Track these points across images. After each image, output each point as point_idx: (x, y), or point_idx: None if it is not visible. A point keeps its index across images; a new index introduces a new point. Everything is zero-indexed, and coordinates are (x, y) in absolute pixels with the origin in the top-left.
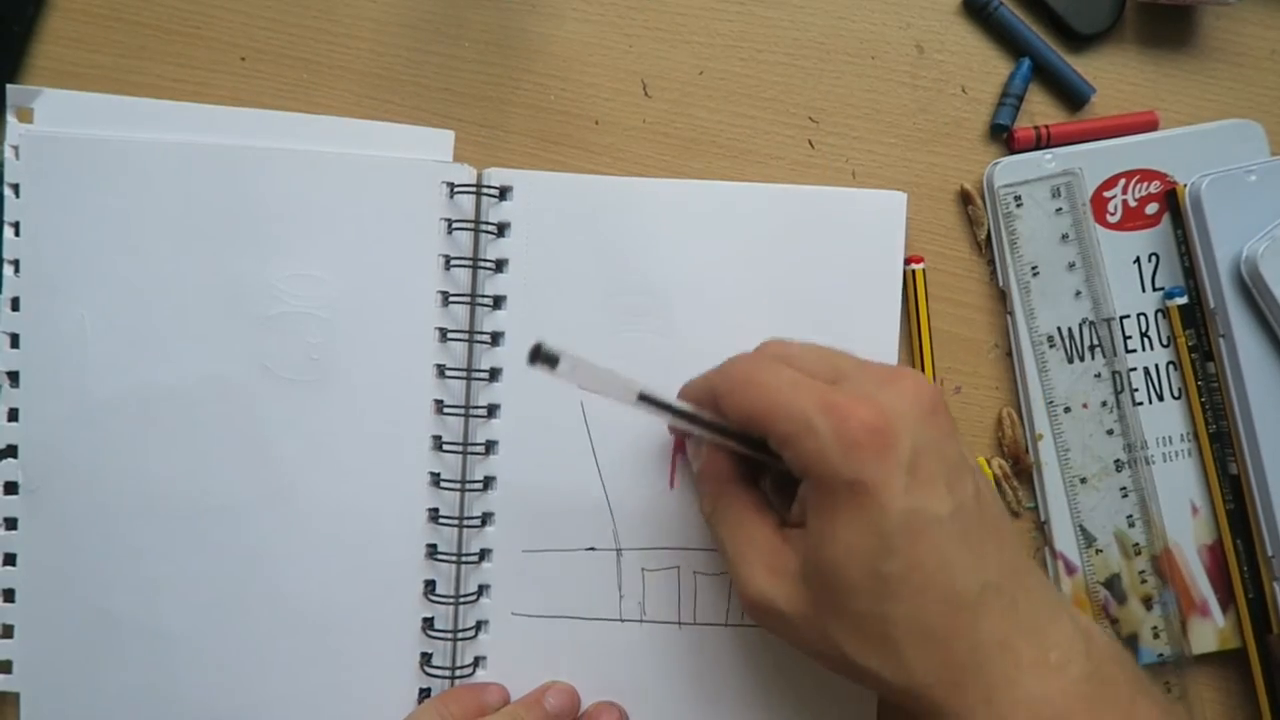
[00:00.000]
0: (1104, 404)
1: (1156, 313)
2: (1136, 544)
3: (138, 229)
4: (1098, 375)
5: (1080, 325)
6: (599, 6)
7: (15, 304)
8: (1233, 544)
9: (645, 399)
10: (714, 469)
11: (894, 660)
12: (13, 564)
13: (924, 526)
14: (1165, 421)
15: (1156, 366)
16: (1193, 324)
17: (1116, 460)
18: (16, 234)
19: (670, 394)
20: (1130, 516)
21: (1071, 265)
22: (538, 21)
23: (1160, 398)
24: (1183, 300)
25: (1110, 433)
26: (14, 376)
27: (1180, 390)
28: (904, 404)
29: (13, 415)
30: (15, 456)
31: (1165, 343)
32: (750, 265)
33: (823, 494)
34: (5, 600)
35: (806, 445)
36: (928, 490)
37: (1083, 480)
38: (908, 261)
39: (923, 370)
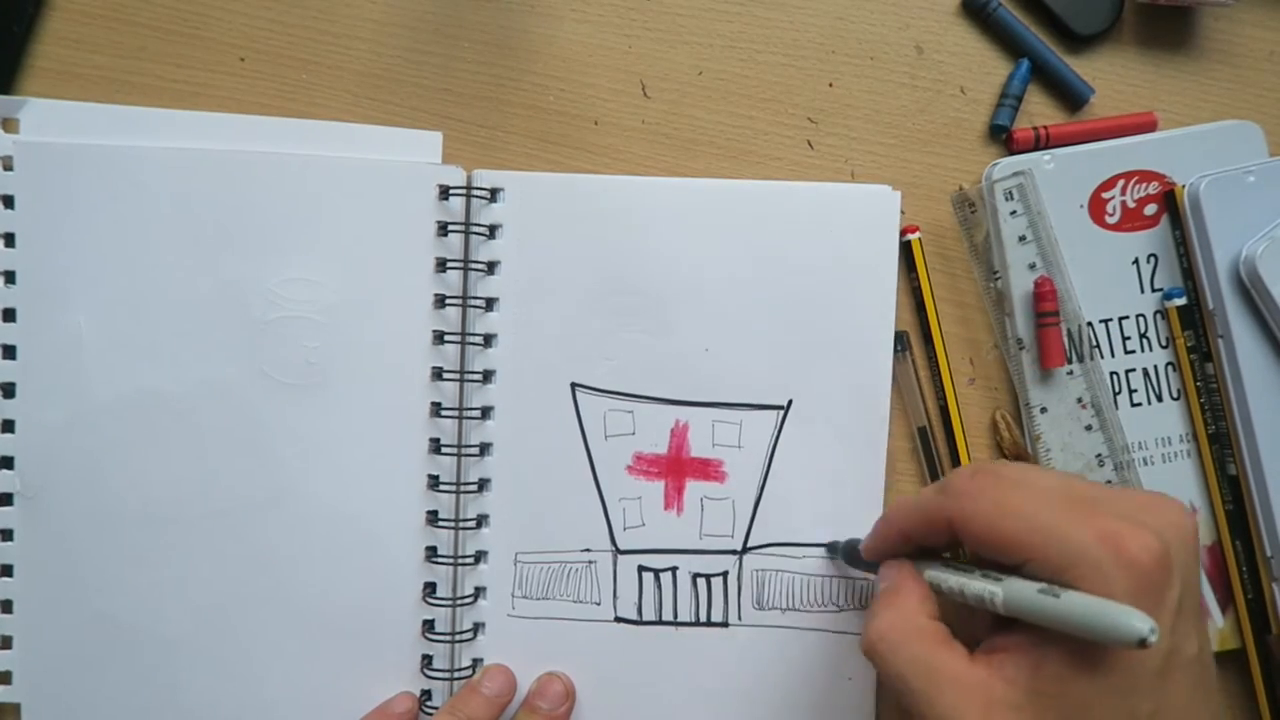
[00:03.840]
0: (1079, 401)
1: (1155, 314)
2: None
3: (132, 235)
4: (1070, 373)
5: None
6: (598, 7)
7: (10, 315)
8: (1232, 545)
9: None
10: (906, 596)
11: None
12: (9, 575)
13: (1176, 668)
14: (1165, 422)
15: (1155, 367)
16: (1191, 325)
17: (1098, 455)
18: (10, 245)
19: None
20: None
21: (1032, 266)
22: (537, 22)
23: (1159, 398)
24: (1181, 301)
25: (1089, 429)
26: (9, 388)
27: (1179, 391)
28: (1173, 534)
29: (8, 426)
30: (10, 468)
31: (1164, 344)
32: (743, 262)
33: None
34: (4, 611)
35: (1084, 573)
36: (1184, 628)
37: None
38: (904, 232)
39: (930, 336)
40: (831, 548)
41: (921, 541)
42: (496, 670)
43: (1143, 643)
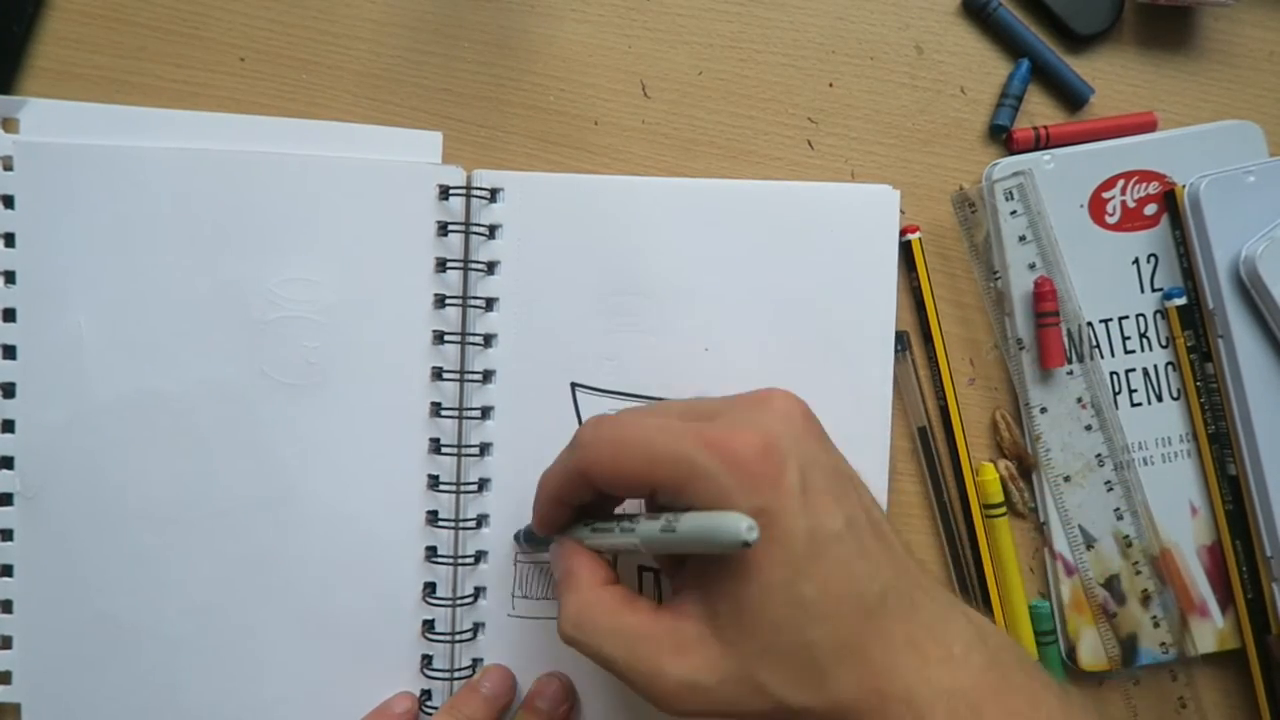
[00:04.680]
0: (1079, 400)
1: (1155, 313)
2: (1127, 536)
3: (132, 235)
4: (1070, 373)
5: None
6: (598, 7)
7: (10, 315)
8: (1232, 545)
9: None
10: (578, 573)
11: (823, 686)
12: (10, 575)
13: (825, 543)
14: (1165, 422)
15: (1155, 367)
16: (1191, 325)
17: (1098, 455)
18: (10, 245)
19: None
20: (1117, 509)
21: (1032, 266)
22: (537, 22)
23: (1159, 398)
24: (1182, 301)
25: (1089, 429)
26: (9, 388)
27: (1179, 391)
28: (779, 423)
29: (8, 426)
30: (10, 468)
31: (1164, 344)
32: (743, 262)
33: None
34: (4, 611)
35: (699, 486)
36: (820, 505)
37: (1066, 478)
38: (904, 232)
39: (930, 336)
40: (517, 538)
41: (575, 502)
42: (496, 670)
43: (746, 544)
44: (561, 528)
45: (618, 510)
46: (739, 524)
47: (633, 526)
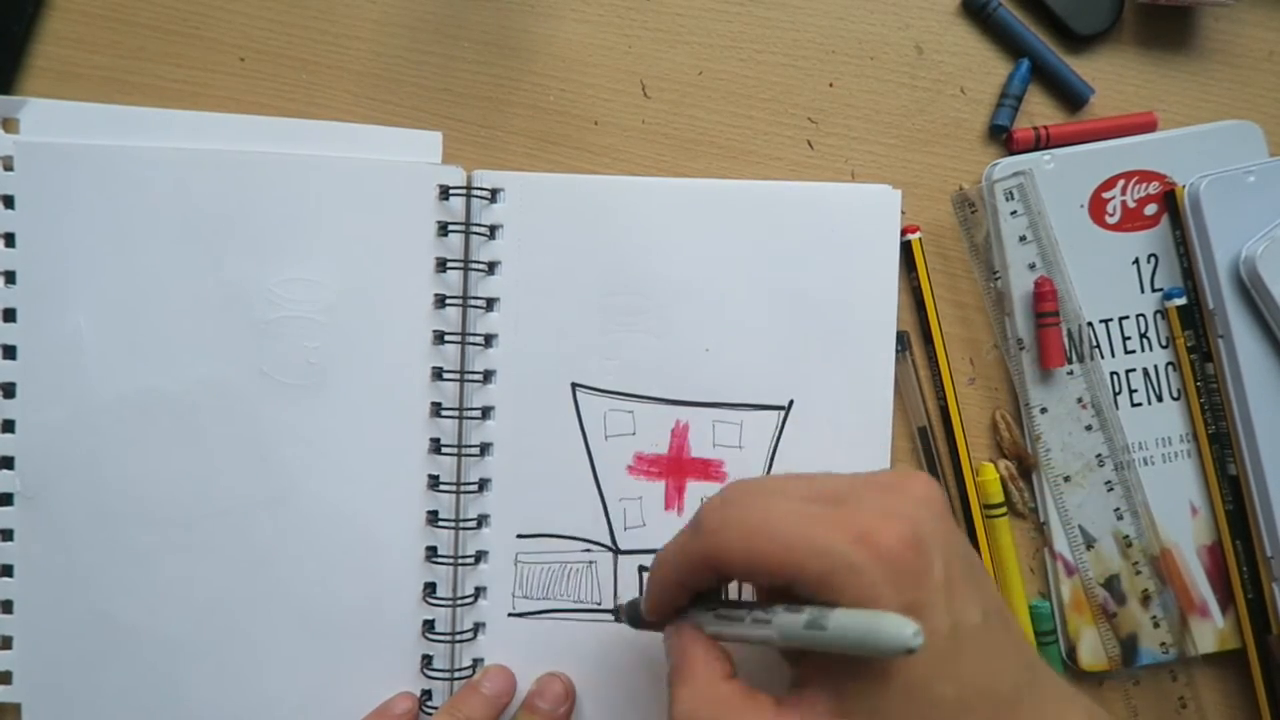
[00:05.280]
0: (1079, 400)
1: (1155, 314)
2: (1127, 536)
3: (132, 235)
4: (1070, 373)
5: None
6: (598, 7)
7: (10, 315)
8: (1232, 545)
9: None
10: (695, 665)
11: None
12: (10, 575)
13: (964, 639)
14: (1165, 422)
15: (1156, 367)
16: (1192, 325)
17: (1098, 455)
18: (10, 245)
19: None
20: (1118, 509)
21: (1032, 266)
22: (537, 22)
23: (1159, 398)
24: (1182, 301)
25: (1089, 429)
26: (9, 388)
27: (1179, 391)
28: (922, 511)
29: (8, 426)
30: (11, 468)
31: (1164, 344)
32: (744, 262)
33: None
34: (4, 611)
35: (846, 580)
36: (962, 600)
37: (1066, 478)
38: (905, 232)
39: (930, 336)
40: (616, 612)
41: (696, 587)
42: (496, 670)
43: (910, 650)
44: (677, 611)
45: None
46: (904, 629)
47: (768, 618)
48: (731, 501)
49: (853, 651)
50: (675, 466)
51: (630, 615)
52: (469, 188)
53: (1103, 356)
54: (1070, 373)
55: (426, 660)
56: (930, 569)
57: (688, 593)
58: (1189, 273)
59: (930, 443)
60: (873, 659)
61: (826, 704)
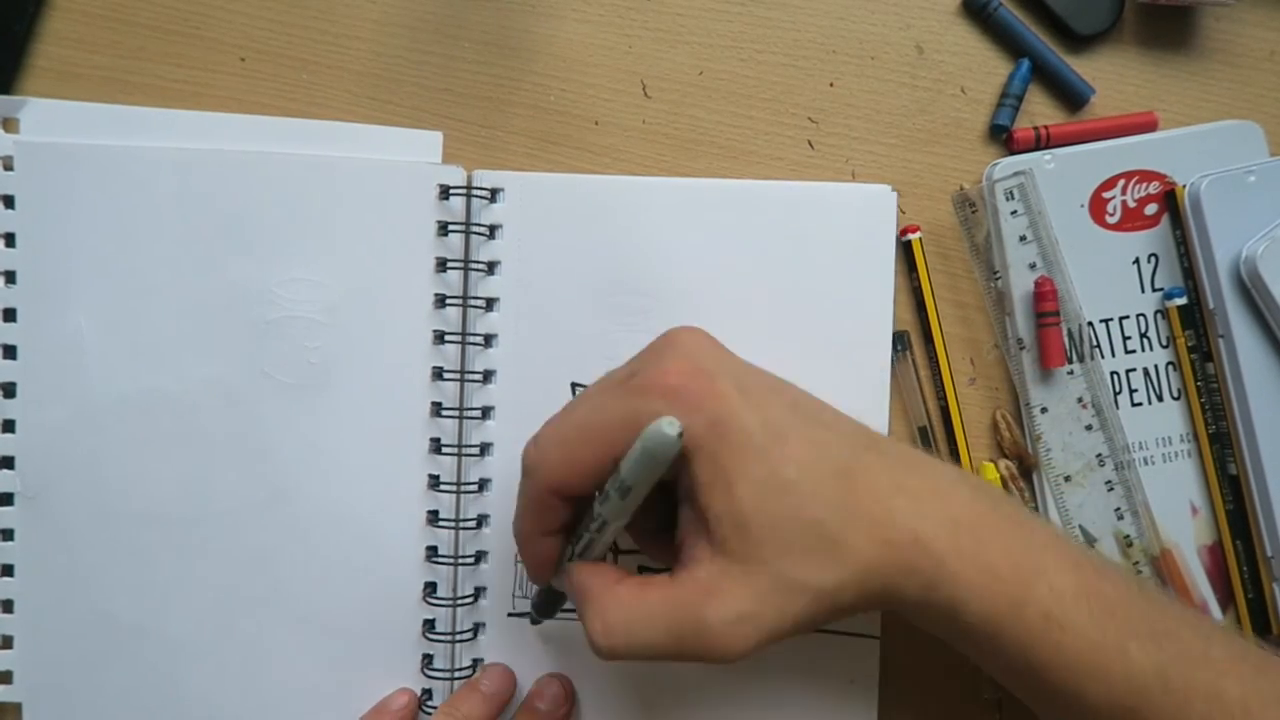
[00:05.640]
0: (1079, 400)
1: (1156, 313)
2: (1128, 536)
3: (133, 235)
4: (1070, 373)
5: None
6: (599, 7)
7: (11, 315)
8: (1232, 545)
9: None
10: (587, 587)
11: (842, 556)
12: (11, 575)
13: (781, 428)
14: (1165, 422)
15: (1156, 367)
16: (1192, 324)
17: (1098, 455)
18: (10, 245)
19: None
20: (1118, 509)
21: (1032, 265)
22: (537, 22)
23: (1160, 398)
24: (1182, 301)
25: (1089, 429)
26: (9, 388)
27: (1180, 391)
28: (695, 349)
29: (8, 426)
30: (11, 468)
31: (1165, 343)
32: (743, 261)
33: (700, 465)
34: (4, 611)
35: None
36: (762, 400)
37: (1067, 478)
38: (905, 232)
39: (931, 336)
40: (532, 618)
41: (554, 527)
42: (495, 670)
43: (679, 434)
44: (555, 563)
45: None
46: (659, 426)
47: (599, 512)
48: (539, 434)
49: (652, 476)
50: None
51: (537, 605)
52: (469, 187)
53: (1103, 356)
54: (1070, 372)
55: (427, 660)
56: (715, 385)
57: (554, 540)
58: (1189, 272)
59: (931, 442)
60: (713, 487)
61: (701, 547)
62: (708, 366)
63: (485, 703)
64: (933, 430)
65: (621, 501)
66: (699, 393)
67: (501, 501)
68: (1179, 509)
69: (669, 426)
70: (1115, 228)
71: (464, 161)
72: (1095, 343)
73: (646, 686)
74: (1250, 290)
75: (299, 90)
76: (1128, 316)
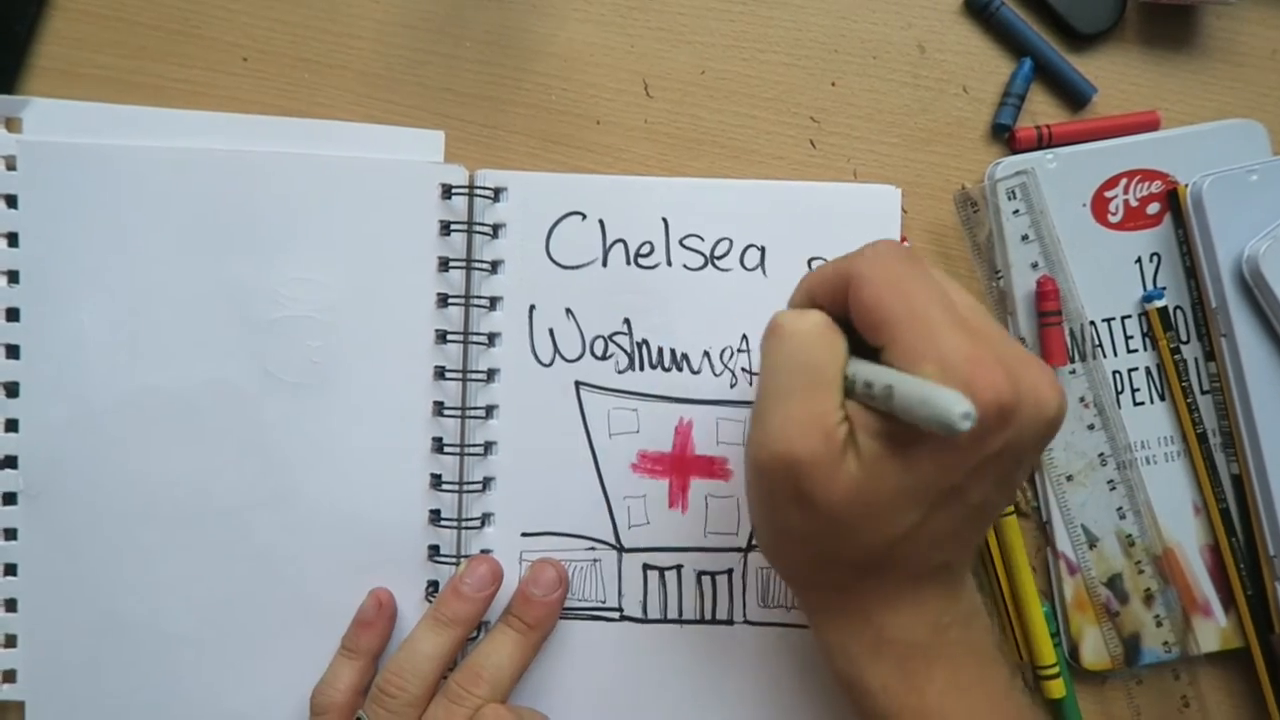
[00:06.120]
0: (1081, 400)
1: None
2: (1130, 535)
3: (135, 235)
4: (1072, 372)
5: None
6: (600, 6)
7: (14, 314)
8: (1228, 542)
9: None
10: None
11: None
12: (14, 574)
13: (954, 502)
14: (1167, 421)
15: (1158, 366)
16: (1171, 326)
17: (1100, 454)
18: (13, 245)
19: None
20: (1120, 509)
21: (1034, 265)
22: (539, 21)
23: (1162, 397)
24: (1162, 303)
25: (1091, 428)
26: (12, 388)
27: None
28: (1030, 398)
29: (11, 426)
30: (14, 467)
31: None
32: (746, 260)
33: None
34: (7, 610)
35: (931, 376)
36: (984, 479)
37: (1069, 478)
38: None
39: None
40: None
41: (824, 304)
42: (477, 562)
43: (952, 428)
44: None
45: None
46: (959, 405)
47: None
48: (906, 253)
49: (906, 402)
50: (679, 464)
51: None
52: (471, 187)
53: (1105, 355)
54: (1073, 372)
55: None
56: (993, 437)
57: (814, 304)
58: (1191, 271)
59: None
60: (904, 435)
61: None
62: (1014, 419)
63: (470, 603)
64: None
65: (878, 372)
66: (983, 417)
67: (505, 501)
68: (1181, 508)
69: (962, 420)
70: (1117, 227)
71: (466, 161)
72: (1097, 342)
73: (651, 682)
74: (1252, 289)
75: (301, 90)
76: (1130, 316)
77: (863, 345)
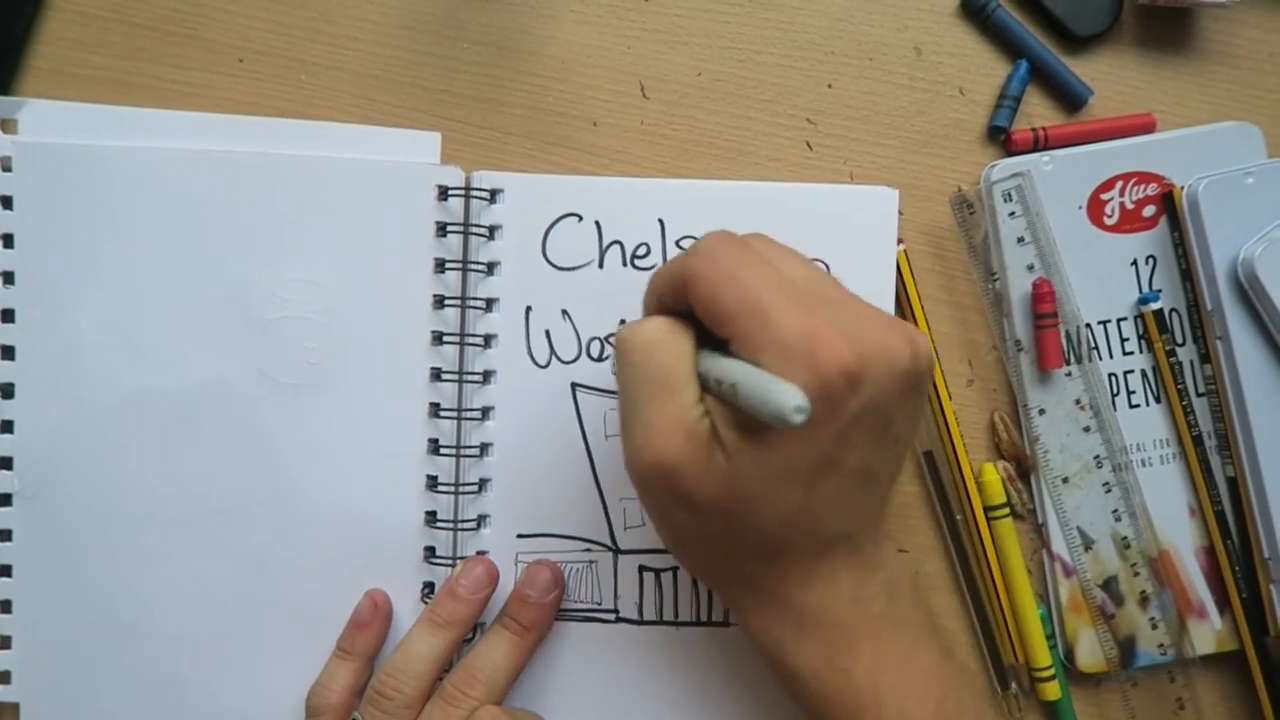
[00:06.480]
0: (1077, 402)
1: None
2: (1125, 538)
3: (131, 236)
4: (1068, 374)
5: None
6: (597, 8)
7: (9, 315)
8: (1224, 545)
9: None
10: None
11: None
12: (8, 575)
13: (835, 472)
14: (1163, 424)
15: (1154, 369)
16: (1167, 329)
17: (1096, 457)
18: (9, 246)
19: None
20: (1116, 511)
21: (1030, 267)
22: (536, 23)
23: (1158, 400)
24: (1157, 305)
25: (1087, 430)
26: (7, 389)
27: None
28: (877, 355)
29: (6, 427)
30: (9, 469)
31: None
32: None
33: None
34: (2, 611)
35: (772, 360)
36: (855, 441)
37: (1064, 480)
38: None
39: None
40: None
41: (674, 307)
42: (473, 564)
43: (786, 421)
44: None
45: None
46: (793, 398)
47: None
48: (735, 242)
49: (745, 395)
50: None
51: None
52: (468, 188)
53: (1101, 358)
54: (1068, 374)
55: None
56: (849, 400)
57: (664, 306)
58: (1187, 274)
59: (930, 444)
60: (757, 427)
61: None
62: (864, 377)
63: (466, 605)
64: (933, 434)
65: (719, 364)
66: (828, 394)
67: (501, 502)
68: (1176, 511)
69: (795, 414)
70: (1113, 229)
71: (462, 162)
72: (1093, 344)
73: (648, 683)
74: (1248, 292)
75: (297, 91)
76: (1125, 318)
77: (715, 337)
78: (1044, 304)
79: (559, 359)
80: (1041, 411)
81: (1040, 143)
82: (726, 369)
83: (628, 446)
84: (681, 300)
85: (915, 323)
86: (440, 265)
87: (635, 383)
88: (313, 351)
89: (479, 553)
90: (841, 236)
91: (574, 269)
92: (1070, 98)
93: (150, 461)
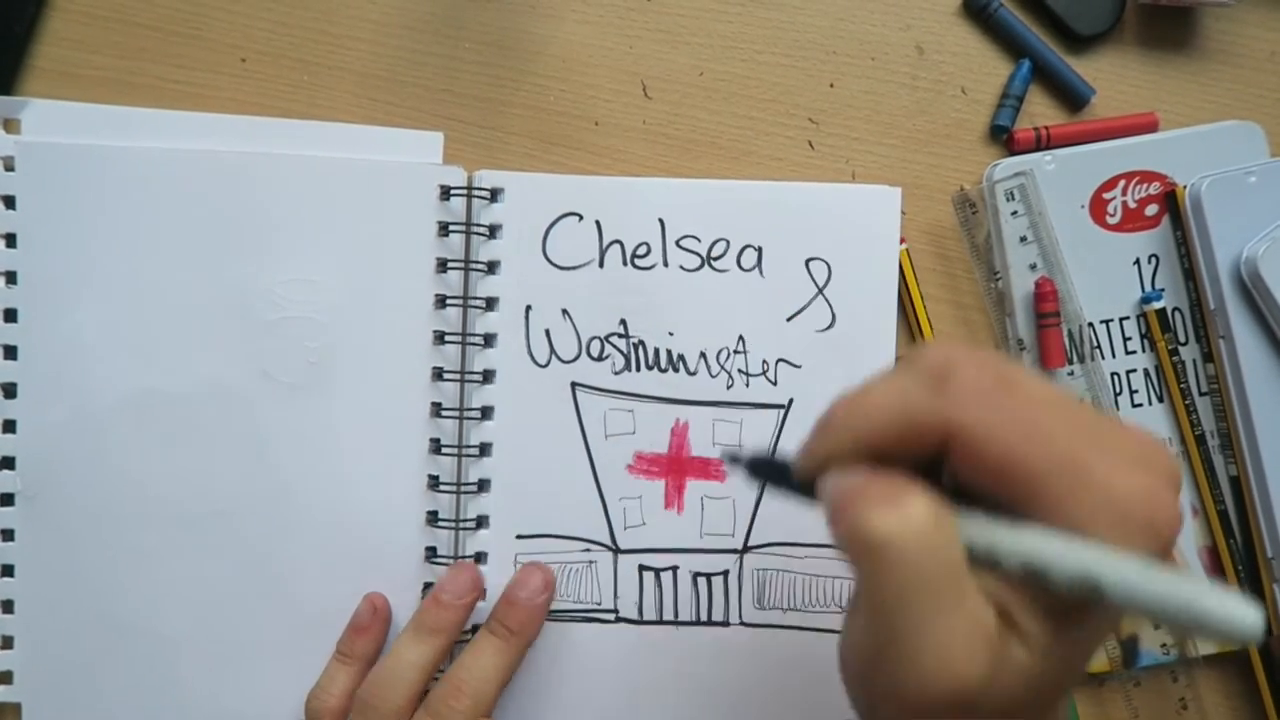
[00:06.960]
0: (1080, 401)
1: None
2: None
3: (133, 236)
4: (1071, 374)
5: None
6: (599, 8)
7: (12, 315)
8: (1227, 544)
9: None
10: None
11: None
12: (10, 575)
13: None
14: (1165, 423)
15: (1156, 368)
16: (1170, 328)
17: None
18: (11, 246)
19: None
20: None
21: (1033, 266)
22: (538, 23)
23: (1160, 399)
24: (1160, 304)
25: None
26: (9, 389)
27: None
28: (1172, 496)
29: (9, 427)
30: (12, 469)
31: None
32: (744, 261)
33: None
34: (4, 611)
35: (1102, 530)
36: None
37: None
38: None
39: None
40: (733, 458)
41: (887, 455)
42: (457, 570)
43: (1244, 639)
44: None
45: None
46: (1246, 615)
47: (1033, 541)
48: (999, 375)
49: (1184, 618)
50: (675, 465)
51: (758, 466)
52: (470, 188)
53: (1104, 357)
54: (1071, 373)
55: None
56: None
57: (863, 461)
58: (1190, 273)
59: None
60: (1060, 605)
61: (1041, 639)
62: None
63: (452, 611)
64: None
65: (1121, 590)
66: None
67: (501, 502)
68: None
69: (1251, 627)
70: (1116, 228)
71: (464, 162)
72: (1096, 343)
73: (647, 683)
74: (1251, 291)
75: (299, 91)
76: (1128, 317)
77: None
78: (1046, 303)
79: (559, 358)
80: None
81: (1042, 142)
82: (1046, 549)
83: (904, 673)
84: (913, 448)
85: (918, 322)
86: (442, 265)
87: (910, 591)
88: (314, 351)
89: (478, 553)
90: (844, 236)
91: (574, 268)
92: (1072, 97)
93: (152, 461)
